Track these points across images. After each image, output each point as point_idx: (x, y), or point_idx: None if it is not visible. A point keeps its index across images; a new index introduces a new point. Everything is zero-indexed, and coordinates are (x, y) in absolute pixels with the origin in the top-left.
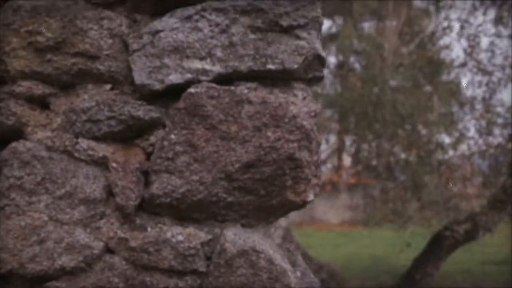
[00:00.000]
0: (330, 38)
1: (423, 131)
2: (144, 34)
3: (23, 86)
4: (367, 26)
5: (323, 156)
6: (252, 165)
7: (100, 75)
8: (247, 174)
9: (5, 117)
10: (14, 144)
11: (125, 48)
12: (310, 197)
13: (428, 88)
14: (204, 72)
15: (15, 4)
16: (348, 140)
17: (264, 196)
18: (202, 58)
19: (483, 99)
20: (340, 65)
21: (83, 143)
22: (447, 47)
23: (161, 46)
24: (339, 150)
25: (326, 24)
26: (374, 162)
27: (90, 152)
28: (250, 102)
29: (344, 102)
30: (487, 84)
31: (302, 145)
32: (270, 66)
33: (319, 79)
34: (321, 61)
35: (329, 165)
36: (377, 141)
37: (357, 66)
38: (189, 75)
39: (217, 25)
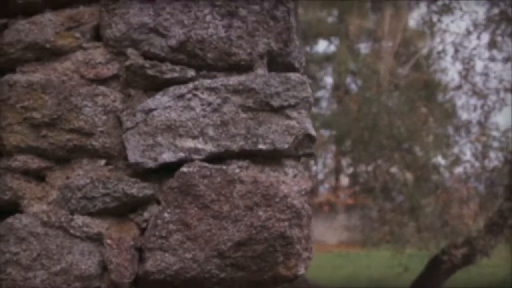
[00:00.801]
0: (326, 59)
1: (419, 154)
2: (138, 112)
3: (19, 161)
4: (363, 47)
5: (320, 176)
6: (244, 243)
7: (95, 151)
8: (239, 252)
9: (1, 192)
10: (10, 219)
11: (119, 124)
12: (301, 270)
13: (423, 110)
14: (197, 151)
15: (11, 79)
16: (345, 162)
17: (256, 272)
18: (194, 137)
19: (479, 122)
20: (336, 86)
21: (78, 219)
22: (442, 70)
23: (154, 124)
24: (337, 170)
25: (322, 44)
26: (371, 184)
27: (85, 229)
28: (241, 181)
29: (340, 126)
30: (482, 107)
31: (293, 223)
32: (261, 146)
33: (310, 155)
34: (311, 139)
35: (326, 185)
36: (373, 164)
37: (353, 87)
38: (181, 154)
39: (209, 104)
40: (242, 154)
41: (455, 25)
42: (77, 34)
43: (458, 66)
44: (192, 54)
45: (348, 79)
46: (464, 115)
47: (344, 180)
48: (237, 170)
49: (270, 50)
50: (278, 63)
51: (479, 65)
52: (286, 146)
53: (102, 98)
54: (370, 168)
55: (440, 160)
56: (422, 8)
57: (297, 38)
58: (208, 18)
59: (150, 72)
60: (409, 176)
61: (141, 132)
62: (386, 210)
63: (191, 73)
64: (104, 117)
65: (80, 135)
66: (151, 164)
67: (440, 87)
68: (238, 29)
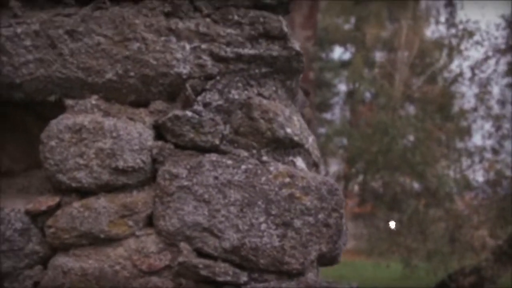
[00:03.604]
0: (341, 65)
1: (432, 180)
2: None
3: None
4: (379, 56)
5: None
6: None
7: None
8: None
9: None
10: None
11: None
12: None
13: (438, 134)
14: None
15: (65, 266)
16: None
17: None
18: None
19: (493, 149)
20: (350, 93)
21: None
22: (461, 96)
23: None
24: (346, 178)
25: (338, 51)
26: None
27: None
28: None
29: (352, 149)
30: (496, 131)
31: None
32: None
33: None
34: None
35: None
36: (384, 187)
37: (367, 95)
38: None
39: None
40: None
41: (474, 48)
42: (131, 223)
43: (475, 89)
44: (245, 258)
45: (362, 88)
46: (478, 140)
47: (353, 188)
48: None
49: (321, 253)
50: (326, 258)
51: (495, 90)
52: None
53: None
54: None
55: (452, 186)
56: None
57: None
58: (263, 226)
59: (203, 272)
60: (420, 204)
61: None
62: (396, 233)
63: (243, 278)
64: None
65: None
66: None
67: (455, 110)
68: (292, 239)
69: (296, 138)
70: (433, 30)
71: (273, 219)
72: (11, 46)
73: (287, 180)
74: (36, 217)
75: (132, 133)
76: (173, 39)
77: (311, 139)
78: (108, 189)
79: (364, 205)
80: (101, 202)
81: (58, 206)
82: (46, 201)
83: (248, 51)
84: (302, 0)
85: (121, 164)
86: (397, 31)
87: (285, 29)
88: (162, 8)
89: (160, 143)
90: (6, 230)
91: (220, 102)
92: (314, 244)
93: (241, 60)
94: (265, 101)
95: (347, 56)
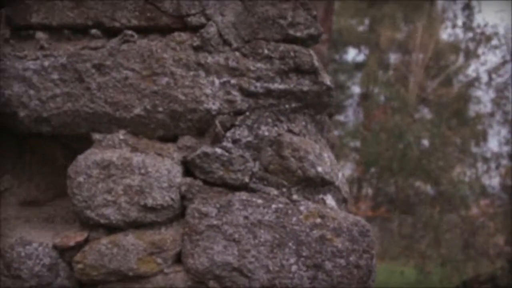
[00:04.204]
0: (356, 67)
1: (447, 186)
2: None
3: None
4: (393, 58)
5: None
6: None
7: None
8: None
9: None
10: None
11: None
12: None
13: (454, 139)
14: None
15: None
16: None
17: None
18: None
19: (509, 155)
20: (364, 96)
21: None
22: (477, 100)
23: None
24: (359, 181)
25: (352, 53)
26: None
27: None
28: None
29: (366, 154)
30: None
31: None
32: None
33: None
34: None
35: None
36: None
37: (381, 97)
38: None
39: None
40: None
41: (492, 52)
42: (159, 260)
43: (492, 94)
44: None
45: (376, 89)
46: (494, 146)
47: (367, 191)
48: None
49: None
50: None
51: None
52: None
53: None
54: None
55: (467, 191)
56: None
57: None
58: (294, 268)
59: None
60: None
61: None
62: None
63: None
64: None
65: None
66: None
67: (471, 114)
68: (322, 281)
69: (327, 177)
70: (449, 33)
71: (304, 260)
72: (38, 80)
73: (318, 220)
74: (64, 252)
75: (160, 170)
76: (202, 73)
77: (340, 174)
78: (136, 225)
79: (378, 209)
80: (129, 239)
81: (86, 241)
82: (74, 236)
83: (278, 86)
84: (317, 3)
85: (150, 202)
86: (412, 33)
87: (316, 63)
88: (191, 41)
89: (189, 179)
90: (35, 266)
91: (249, 139)
92: (345, 286)
93: (271, 95)
94: (295, 138)
95: (361, 58)
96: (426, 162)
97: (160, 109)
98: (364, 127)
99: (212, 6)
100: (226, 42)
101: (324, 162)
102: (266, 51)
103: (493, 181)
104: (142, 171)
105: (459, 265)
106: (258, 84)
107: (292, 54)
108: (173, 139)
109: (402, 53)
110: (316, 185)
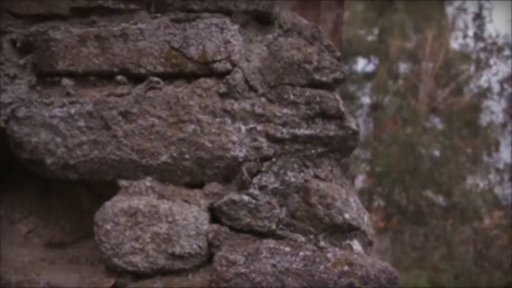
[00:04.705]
0: (365, 77)
1: (460, 198)
2: None
3: None
4: (403, 67)
5: None
6: None
7: None
8: None
9: None
10: None
11: None
12: None
13: (466, 149)
14: None
15: None
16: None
17: None
18: None
19: None
20: (374, 106)
21: None
22: (489, 111)
23: None
24: (370, 193)
25: (362, 63)
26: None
27: None
28: None
29: (379, 168)
30: None
31: None
32: None
33: None
34: None
35: None
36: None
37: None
38: None
39: None
40: None
41: (503, 62)
42: None
43: (503, 104)
44: None
45: (386, 100)
46: (507, 157)
47: (379, 202)
48: None
49: None
50: None
51: None
52: None
53: None
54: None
55: (479, 202)
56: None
57: None
58: None
59: None
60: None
61: None
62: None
63: None
64: None
65: None
66: None
67: (483, 124)
68: None
69: (353, 223)
70: (460, 43)
71: None
72: (65, 127)
73: (346, 268)
74: None
75: (188, 218)
76: (228, 120)
77: (366, 217)
78: (164, 272)
79: (390, 220)
80: (157, 286)
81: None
82: (101, 283)
83: (304, 131)
84: (327, 15)
85: (177, 250)
86: (422, 42)
87: (342, 108)
88: (217, 88)
89: (215, 226)
90: None
91: (276, 185)
92: None
93: (297, 140)
94: (322, 184)
95: (370, 68)
96: (438, 174)
97: (187, 156)
98: (375, 137)
99: (238, 52)
100: (252, 88)
101: (351, 208)
102: (292, 97)
103: (506, 192)
104: (169, 218)
105: (472, 278)
106: (284, 130)
107: (318, 99)
108: (200, 185)
109: (412, 63)
110: (343, 231)
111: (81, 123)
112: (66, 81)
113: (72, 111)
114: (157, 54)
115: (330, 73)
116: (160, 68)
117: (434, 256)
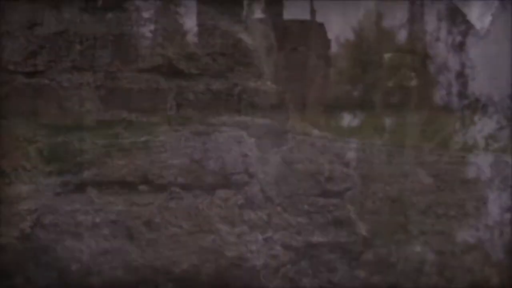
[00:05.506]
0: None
1: None
2: None
3: None
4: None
5: None
6: None
7: None
8: None
9: None
10: None
11: None
12: None
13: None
14: None
15: None
16: None
17: None
18: None
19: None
20: None
21: None
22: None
23: None
24: None
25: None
26: None
27: None
28: None
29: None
30: None
31: None
32: None
33: None
34: None
35: None
36: None
37: None
38: None
39: None
40: None
41: (487, 118)
42: None
43: (490, 157)
44: None
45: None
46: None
47: None
48: None
49: None
50: None
51: None
52: None
53: None
54: None
55: None
56: None
57: None
58: None
59: None
60: None
61: None
62: None
63: None
64: None
65: None
66: None
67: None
68: None
69: None
70: (445, 101)
71: None
72: (91, 235)
73: None
74: None
75: None
76: (247, 230)
77: None
78: None
79: None
80: None
81: None
82: None
83: (317, 238)
84: None
85: None
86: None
87: (353, 216)
88: (235, 199)
89: None
90: None
91: None
92: None
93: (311, 248)
94: None
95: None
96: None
97: (207, 265)
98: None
99: (255, 164)
100: (268, 199)
101: None
102: (306, 206)
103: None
104: None
105: None
106: (299, 238)
107: (330, 208)
108: None
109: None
110: None
111: (106, 231)
112: (90, 189)
113: (97, 220)
114: (178, 165)
115: (341, 183)
116: (180, 180)
117: None
